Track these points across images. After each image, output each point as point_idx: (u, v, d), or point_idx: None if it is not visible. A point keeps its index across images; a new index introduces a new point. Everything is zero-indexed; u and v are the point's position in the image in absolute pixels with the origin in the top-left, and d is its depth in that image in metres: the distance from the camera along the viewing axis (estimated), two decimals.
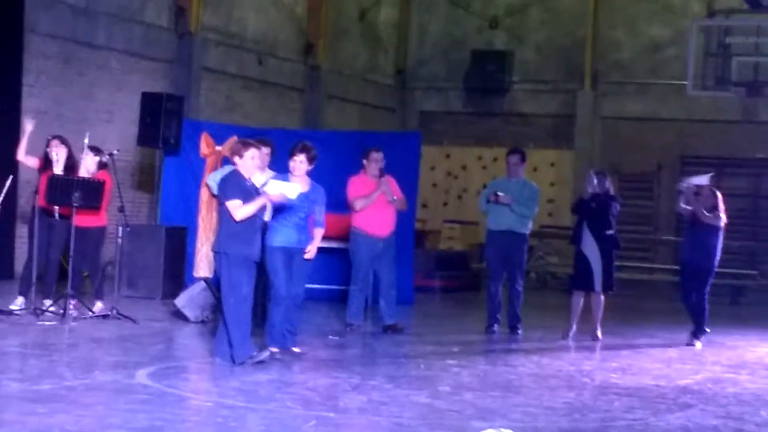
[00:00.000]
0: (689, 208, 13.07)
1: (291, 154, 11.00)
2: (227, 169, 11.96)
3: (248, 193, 9.79)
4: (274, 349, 10.33)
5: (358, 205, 12.74)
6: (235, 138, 13.72)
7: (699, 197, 13.06)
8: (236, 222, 9.67)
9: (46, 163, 12.95)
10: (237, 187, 9.79)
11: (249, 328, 9.87)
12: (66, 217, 12.66)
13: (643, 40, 26.29)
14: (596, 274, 13.11)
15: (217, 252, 9.82)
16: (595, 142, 26.47)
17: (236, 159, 10.01)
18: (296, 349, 10.67)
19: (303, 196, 10.41)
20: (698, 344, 13.15)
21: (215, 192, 11.18)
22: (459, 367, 10.69)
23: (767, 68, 22.95)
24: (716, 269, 13.31)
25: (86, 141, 13.03)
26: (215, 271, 10.26)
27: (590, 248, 13.08)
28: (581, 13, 26.58)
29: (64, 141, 13.08)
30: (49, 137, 13.20)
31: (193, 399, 8.28)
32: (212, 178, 13.00)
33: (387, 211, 12.84)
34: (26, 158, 13.07)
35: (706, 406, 9.16)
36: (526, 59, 27.18)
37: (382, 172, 12.78)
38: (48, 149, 12.98)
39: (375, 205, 12.76)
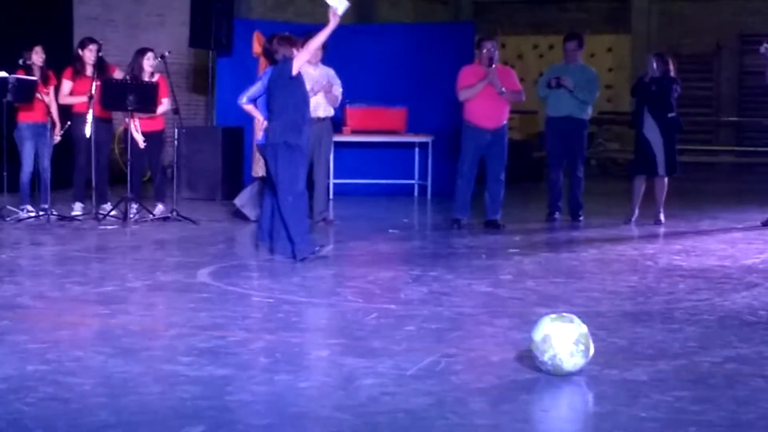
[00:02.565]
0: None
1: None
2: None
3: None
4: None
5: (461, 96, 12.40)
6: (257, 33, 13.55)
7: None
8: (293, 112, 9.66)
9: (77, 68, 12.89)
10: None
11: (308, 222, 9.87)
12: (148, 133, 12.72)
13: None
14: (659, 157, 12.91)
15: (274, 144, 9.76)
16: (651, 25, 26.04)
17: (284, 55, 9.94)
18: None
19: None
20: None
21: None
22: (521, 255, 10.62)
23: None
24: None
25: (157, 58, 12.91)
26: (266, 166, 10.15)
27: (652, 131, 12.88)
28: None
29: (98, 44, 12.98)
30: (85, 39, 13.14)
31: (254, 296, 8.28)
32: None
33: (495, 102, 12.33)
34: (67, 98, 12.97)
35: None
36: None
37: (491, 62, 12.38)
38: (81, 52, 12.91)
39: (482, 96, 12.27)
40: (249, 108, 10.44)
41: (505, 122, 12.53)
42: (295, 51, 9.92)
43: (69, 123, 12.79)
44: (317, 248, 9.99)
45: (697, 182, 20.17)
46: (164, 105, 12.85)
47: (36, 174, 12.78)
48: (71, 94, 12.87)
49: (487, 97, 12.32)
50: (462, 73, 12.55)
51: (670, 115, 12.88)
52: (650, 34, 25.83)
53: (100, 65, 12.83)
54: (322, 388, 5.78)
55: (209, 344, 6.56)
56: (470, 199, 12.63)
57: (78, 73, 12.87)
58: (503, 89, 12.29)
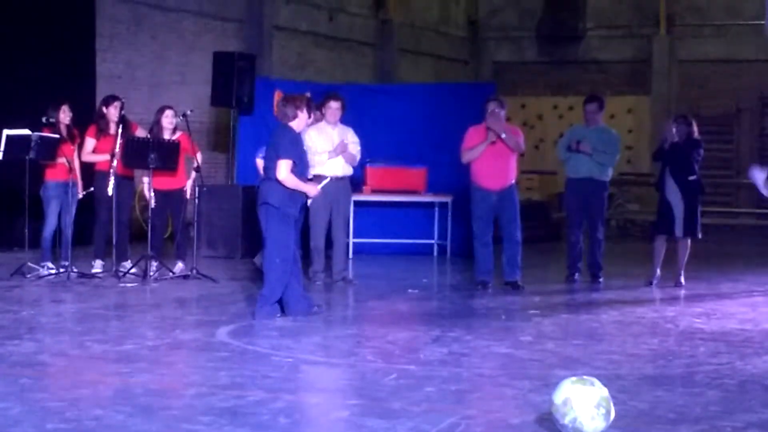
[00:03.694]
0: None
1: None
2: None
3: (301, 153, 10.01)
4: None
5: (463, 157, 12.43)
6: (278, 92, 13.67)
7: None
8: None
9: (101, 126, 12.97)
10: (293, 144, 9.89)
11: (281, 291, 9.98)
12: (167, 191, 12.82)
13: None
14: (678, 219, 12.90)
15: (267, 204, 9.85)
16: (672, 87, 26.10)
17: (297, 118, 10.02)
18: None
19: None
20: None
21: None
22: (540, 317, 10.60)
23: None
24: None
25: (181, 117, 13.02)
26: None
27: (673, 194, 12.88)
28: None
29: (122, 102, 13.09)
30: (109, 96, 13.25)
31: (274, 355, 8.27)
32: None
33: (500, 163, 12.32)
34: (89, 156, 13.08)
35: None
36: (599, 5, 26.85)
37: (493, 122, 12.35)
38: (105, 109, 13.01)
39: (486, 156, 12.28)
40: (260, 164, 10.60)
41: (511, 182, 12.55)
42: (299, 112, 9.96)
43: (93, 187, 12.89)
44: (314, 308, 10.11)
45: (718, 244, 20.10)
46: (198, 158, 12.93)
47: (58, 231, 12.84)
48: (94, 151, 12.95)
49: (491, 158, 12.31)
50: (467, 134, 12.57)
51: (690, 178, 12.88)
52: (670, 96, 25.90)
53: (123, 123, 12.92)
54: None
55: (228, 404, 6.56)
56: (492, 260, 12.61)
57: (102, 131, 12.95)
58: (503, 134, 12.24)
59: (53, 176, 12.76)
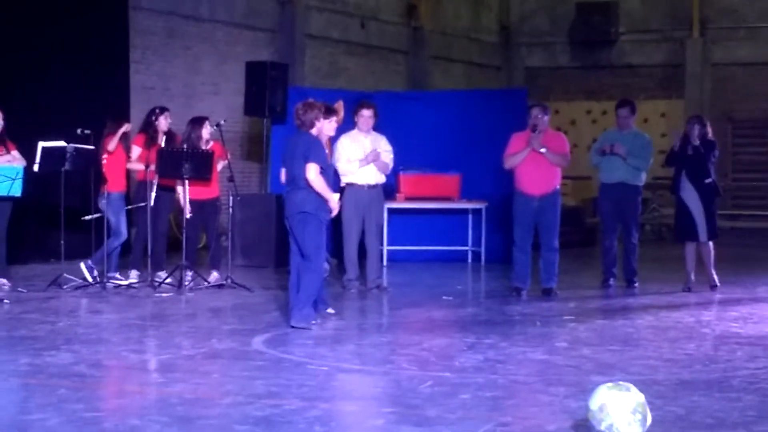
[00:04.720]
0: None
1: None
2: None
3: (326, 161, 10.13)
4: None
5: (506, 163, 12.42)
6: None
7: None
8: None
9: (150, 136, 13.01)
10: (319, 149, 10.01)
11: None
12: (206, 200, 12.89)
13: None
14: (700, 224, 12.81)
15: (305, 213, 9.95)
16: (705, 90, 25.97)
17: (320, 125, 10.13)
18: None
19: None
20: None
21: None
22: (576, 323, 10.56)
23: None
24: None
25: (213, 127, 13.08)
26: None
27: (690, 197, 12.80)
28: None
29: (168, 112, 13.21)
30: (156, 109, 13.31)
31: (309, 364, 8.28)
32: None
33: (543, 168, 12.25)
34: (133, 164, 13.15)
35: None
36: (632, 9, 26.77)
37: (535, 128, 12.24)
38: (154, 120, 13.06)
39: (529, 162, 12.22)
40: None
41: (555, 188, 12.45)
42: (316, 121, 10.03)
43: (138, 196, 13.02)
44: (314, 321, 10.12)
45: (753, 248, 20.01)
46: (221, 164, 13.00)
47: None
48: (138, 160, 13.02)
49: (533, 164, 12.27)
50: (511, 140, 12.54)
51: (706, 181, 12.80)
52: (703, 99, 25.77)
53: (169, 134, 13.02)
54: None
55: (264, 413, 6.58)
56: (529, 267, 12.58)
57: (151, 140, 12.96)
58: (543, 149, 12.23)
59: (116, 187, 12.85)
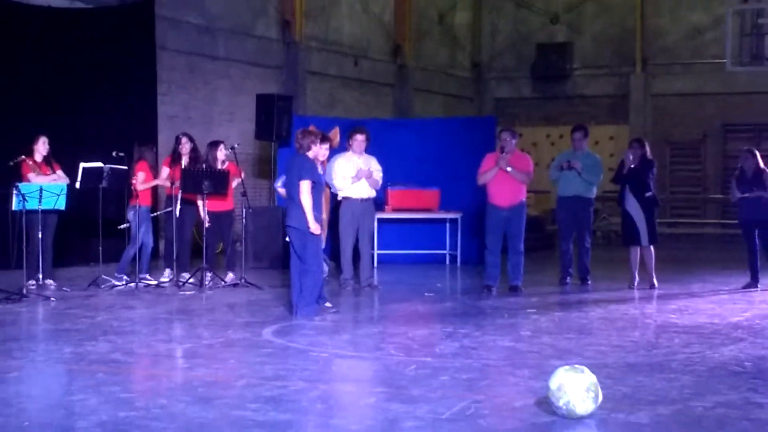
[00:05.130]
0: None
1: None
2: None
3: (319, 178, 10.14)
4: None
5: (478, 180, 12.41)
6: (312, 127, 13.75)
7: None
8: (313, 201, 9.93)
9: (175, 157, 13.06)
10: (311, 168, 10.01)
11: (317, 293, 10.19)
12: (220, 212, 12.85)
13: (686, 25, 25.76)
14: (642, 230, 12.80)
15: (304, 230, 9.96)
16: (647, 117, 26.03)
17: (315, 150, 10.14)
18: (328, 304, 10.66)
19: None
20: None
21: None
22: (538, 315, 10.56)
23: None
24: None
25: (228, 150, 13.06)
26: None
27: (634, 209, 12.80)
28: (630, 5, 26.17)
29: (189, 137, 13.23)
30: (179, 135, 13.34)
31: (311, 351, 8.27)
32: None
33: (510, 184, 12.22)
34: (162, 182, 13.14)
35: (756, 339, 8.94)
36: (584, 48, 26.83)
37: (502, 149, 12.24)
38: (178, 145, 13.11)
39: (498, 179, 12.21)
40: (282, 191, 10.79)
41: (521, 200, 12.41)
42: (312, 146, 10.06)
43: (166, 210, 12.99)
44: (317, 317, 10.08)
45: (688, 251, 20.04)
46: (236, 182, 13.00)
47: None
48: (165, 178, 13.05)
49: (502, 180, 12.27)
50: (484, 160, 12.55)
51: (647, 194, 12.81)
52: (645, 125, 25.82)
53: (195, 155, 13.03)
54: (370, 431, 5.76)
55: (273, 393, 6.56)
56: (498, 267, 12.56)
57: (174, 161, 13.03)
58: (509, 168, 12.24)
59: (145, 201, 12.85)
